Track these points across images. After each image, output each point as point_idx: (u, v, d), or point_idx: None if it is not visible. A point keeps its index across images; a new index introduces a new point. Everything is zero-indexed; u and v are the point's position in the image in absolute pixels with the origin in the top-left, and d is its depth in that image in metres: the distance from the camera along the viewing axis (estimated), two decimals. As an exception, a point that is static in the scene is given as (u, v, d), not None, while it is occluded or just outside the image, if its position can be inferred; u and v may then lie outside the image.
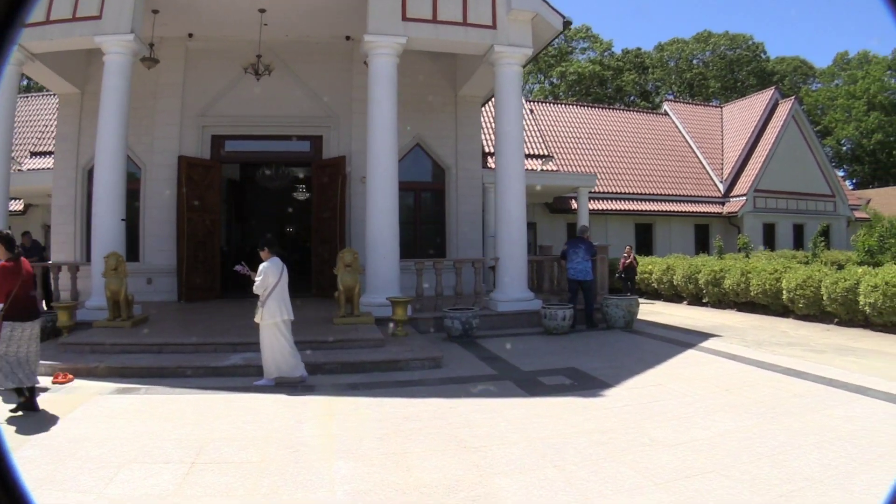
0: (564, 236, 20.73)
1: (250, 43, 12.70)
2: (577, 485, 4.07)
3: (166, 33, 12.69)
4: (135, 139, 12.94)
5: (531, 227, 23.55)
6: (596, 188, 23.78)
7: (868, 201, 32.31)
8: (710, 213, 25.78)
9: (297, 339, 8.61)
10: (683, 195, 25.66)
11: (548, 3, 11.47)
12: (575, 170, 24.17)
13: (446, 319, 10.07)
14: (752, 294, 13.75)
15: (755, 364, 7.94)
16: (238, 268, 7.51)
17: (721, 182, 26.44)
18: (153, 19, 11.51)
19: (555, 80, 49.80)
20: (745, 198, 25.07)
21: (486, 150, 22.12)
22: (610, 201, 24.40)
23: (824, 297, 11.77)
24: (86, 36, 10.33)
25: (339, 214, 12.81)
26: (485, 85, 13.80)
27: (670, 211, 25.04)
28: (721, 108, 31.97)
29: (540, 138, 23.96)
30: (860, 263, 13.30)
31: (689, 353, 8.93)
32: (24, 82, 25.65)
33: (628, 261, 17.85)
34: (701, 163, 27.52)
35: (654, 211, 24.86)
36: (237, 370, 7.70)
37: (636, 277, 18.10)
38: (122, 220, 10.63)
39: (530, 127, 23.94)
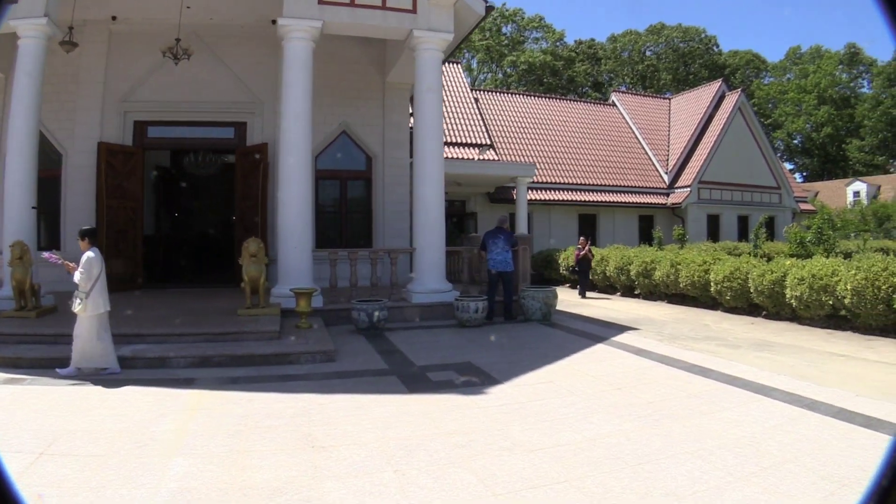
0: (525, 227, 20.33)
1: (175, 26, 11.93)
2: (411, 492, 3.66)
3: (89, 16, 11.83)
4: (56, 125, 12.33)
5: (472, 217, 23.25)
6: (539, 178, 23.53)
7: (816, 193, 32.47)
8: (655, 204, 25.44)
9: (194, 330, 8.36)
10: (628, 186, 25.34)
11: (469, -14, 10.95)
12: (519, 160, 23.70)
13: (353, 311, 9.56)
14: (681, 286, 13.33)
15: (661, 360, 7.47)
16: (46, 255, 7.05)
17: (666, 173, 26.18)
18: (73, 2, 10.80)
19: (508, 71, 49.32)
20: (689, 189, 24.80)
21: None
22: (553, 191, 23.90)
23: (751, 290, 11.40)
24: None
25: (261, 203, 12.18)
26: (412, 71, 13.22)
27: (614, 202, 24.65)
28: (669, 99, 31.63)
29: (483, 127, 23.29)
30: (792, 256, 13.09)
31: (598, 347, 8.46)
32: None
33: (582, 252, 16.02)
34: (647, 154, 27.24)
35: (598, 201, 24.43)
36: (126, 362, 7.12)
37: (590, 270, 16.34)
38: (33, 207, 9.95)
39: (474, 116, 23.42)
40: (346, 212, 13.99)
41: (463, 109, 23.56)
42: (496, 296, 10.76)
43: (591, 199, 24.35)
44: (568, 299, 15.16)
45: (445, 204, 22.23)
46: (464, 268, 11.86)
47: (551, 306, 10.60)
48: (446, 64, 26.92)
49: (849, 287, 9.31)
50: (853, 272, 9.37)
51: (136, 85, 12.69)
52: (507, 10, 51.94)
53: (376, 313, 9.52)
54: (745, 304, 11.91)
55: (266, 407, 5.59)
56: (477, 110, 23.79)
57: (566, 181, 24.53)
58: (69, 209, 12.32)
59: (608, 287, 16.84)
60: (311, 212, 10.62)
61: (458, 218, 24.06)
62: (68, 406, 5.58)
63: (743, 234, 24.18)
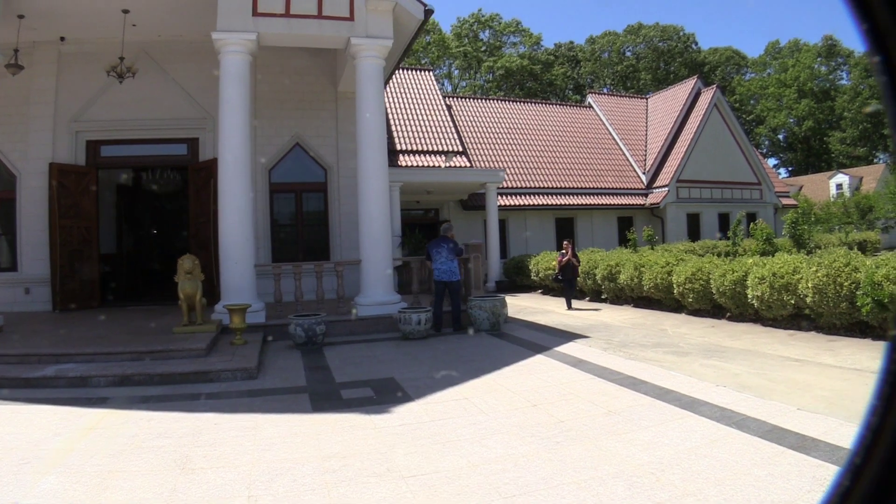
0: (481, 234, 19.96)
1: (126, 45, 11.86)
2: None
3: (38, 38, 11.72)
4: (9, 147, 12.15)
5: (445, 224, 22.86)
6: (514, 183, 23.15)
7: (800, 188, 31.76)
8: (633, 205, 24.85)
9: (121, 349, 8.09)
10: (605, 188, 24.74)
11: (407, -10, 10.58)
12: (493, 166, 23.19)
13: (290, 326, 9.13)
14: (645, 289, 12.77)
15: (595, 372, 6.93)
16: None
17: (644, 174, 25.59)
18: (18, 24, 10.58)
19: (487, 77, 48.93)
20: (667, 188, 24.19)
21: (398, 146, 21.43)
22: (528, 196, 23.40)
23: (714, 291, 10.84)
24: None
25: (213, 218, 11.90)
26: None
27: (591, 204, 24.06)
28: (647, 99, 31.02)
29: (455, 134, 22.81)
30: (760, 254, 12.60)
31: (536, 358, 7.94)
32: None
33: (566, 258, 13.88)
34: (624, 155, 26.67)
35: (574, 205, 23.85)
36: (48, 381, 6.98)
37: (577, 278, 14.50)
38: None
39: (445, 123, 23.03)
40: (303, 224, 13.64)
41: (435, 117, 23.18)
42: (444, 306, 10.37)
43: (568, 203, 23.81)
44: (534, 306, 14.76)
45: (419, 213, 22.56)
46: (413, 278, 11.46)
47: (499, 315, 10.14)
48: (416, 71, 26.77)
49: (810, 285, 8.75)
50: (814, 269, 8.81)
51: (88, 104, 12.42)
52: (483, 16, 51.63)
53: (314, 328, 9.16)
54: (708, 305, 11.38)
55: (161, 426, 5.34)
56: (449, 117, 23.37)
57: (541, 185, 24.02)
58: (24, 230, 12.09)
59: (578, 293, 16.27)
60: (251, 226, 10.24)
61: (430, 226, 23.71)
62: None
63: (724, 232, 23.62)
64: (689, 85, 27.83)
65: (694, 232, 24.09)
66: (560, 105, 31.55)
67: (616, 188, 25.06)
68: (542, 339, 9.39)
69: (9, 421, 5.65)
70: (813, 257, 9.54)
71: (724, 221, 24.83)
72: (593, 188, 24.64)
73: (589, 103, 30.03)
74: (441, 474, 4.06)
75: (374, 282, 10.49)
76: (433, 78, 26.00)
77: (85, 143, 12.51)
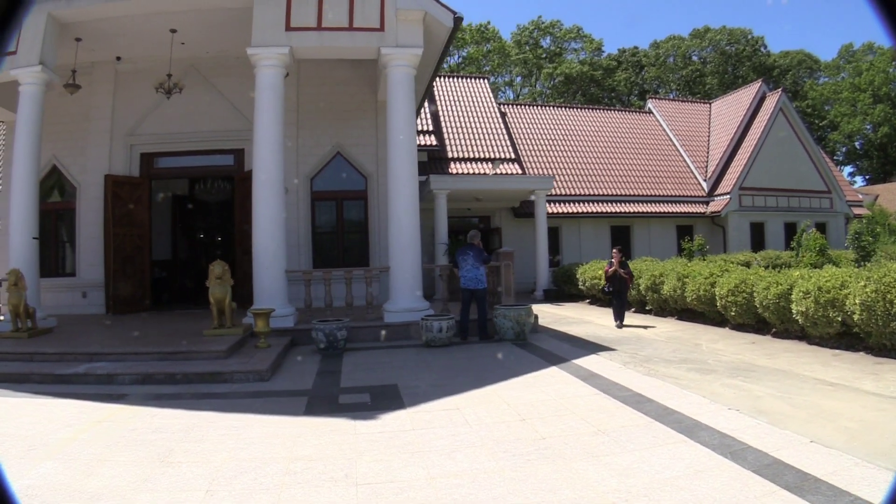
0: (532, 241, 19.64)
1: (175, 62, 12.52)
2: None
3: (96, 58, 12.59)
4: (70, 160, 13.06)
5: (496, 232, 22.58)
6: (568, 190, 22.65)
7: (875, 197, 29.31)
8: (693, 213, 23.71)
9: (150, 349, 8.50)
10: (664, 195, 23.77)
11: (437, 1, 10.53)
12: (547, 173, 22.85)
13: (313, 332, 9.33)
14: (688, 301, 12.13)
15: (603, 388, 6.56)
16: None
17: (705, 181, 24.39)
18: (76, 47, 11.41)
19: (546, 84, 48.09)
20: (728, 196, 22.95)
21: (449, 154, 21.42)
22: (582, 203, 22.79)
23: (757, 305, 10.13)
24: (5, 70, 10.41)
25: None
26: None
27: (649, 212, 23.19)
28: (710, 104, 29.59)
29: (507, 141, 22.61)
30: (812, 266, 11.76)
31: (549, 370, 7.64)
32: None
33: (612, 268, 12.21)
34: (685, 161, 25.54)
35: (631, 213, 23.06)
36: (79, 378, 7.51)
37: (628, 290, 12.66)
38: (34, 238, 10.52)
39: (498, 130, 22.86)
40: (344, 232, 13.84)
41: (488, 124, 23.12)
42: (470, 314, 10.24)
43: (624, 211, 23.07)
44: (575, 316, 14.34)
45: (469, 220, 22.45)
46: (440, 285, 11.39)
47: (524, 325, 9.87)
48: (471, 80, 26.77)
49: (857, 301, 7.98)
50: (862, 284, 8.04)
51: (141, 119, 13.20)
52: (543, 23, 50.94)
53: (335, 333, 9.27)
54: (752, 320, 10.63)
55: (161, 422, 5.65)
56: (502, 125, 23.24)
57: (597, 192, 23.39)
58: (83, 238, 12.95)
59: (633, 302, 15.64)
60: (282, 233, 10.47)
61: (481, 234, 23.51)
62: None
63: (790, 243, 22.15)
64: (753, 89, 26.41)
65: (758, 242, 22.71)
66: (619, 111, 30.57)
67: (675, 196, 24.06)
68: (565, 351, 9.05)
69: (32, 413, 6.12)
70: (862, 270, 8.73)
71: (790, 231, 23.17)
72: (651, 195, 23.79)
73: (649, 108, 29.10)
74: (394, 484, 4.02)
75: (402, 288, 10.50)
76: (488, 86, 25.97)
77: (139, 156, 13.28)
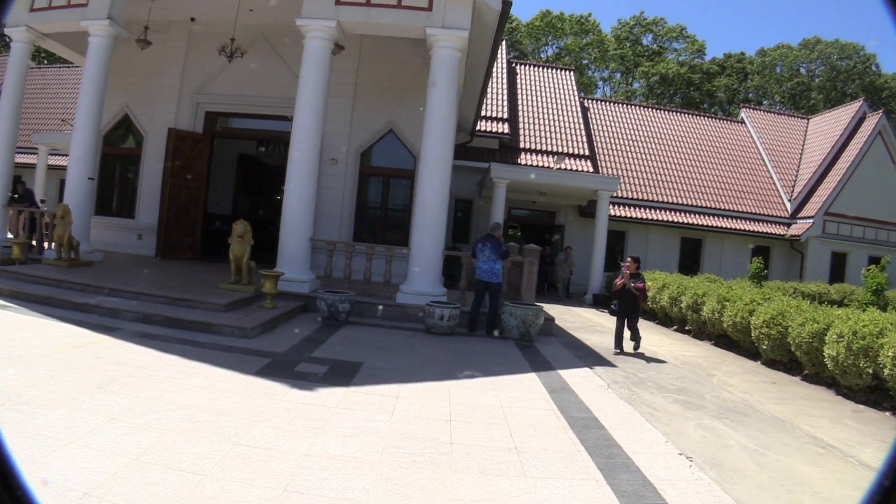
0: (604, 244, 18.84)
1: (243, 27, 13.01)
2: (51, 428, 3.99)
3: (171, 17, 13.30)
4: (139, 111, 13.91)
5: (559, 229, 21.84)
6: (640, 195, 21.58)
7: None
8: (772, 234, 21.81)
9: (161, 293, 8.96)
10: (743, 211, 22.03)
11: (486, -19, 10.20)
12: (623, 174, 21.87)
13: (318, 300, 9.53)
14: (724, 326, 11.14)
15: (563, 404, 6.02)
16: None
17: (790, 201, 22.33)
18: (150, 5, 12.16)
19: (641, 82, 45.64)
20: (812, 220, 20.93)
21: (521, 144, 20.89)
22: (654, 210, 21.56)
23: (790, 342, 9.06)
24: (75, 20, 11.24)
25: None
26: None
27: (724, 227, 21.56)
28: (808, 119, 26.95)
29: (583, 137, 21.67)
30: (866, 306, 10.48)
31: (526, 376, 7.20)
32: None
33: (621, 282, 9.98)
34: (771, 178, 23.49)
35: (704, 226, 21.52)
36: (90, 308, 8.24)
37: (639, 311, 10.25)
38: (90, 178, 11.39)
39: (575, 125, 22.00)
40: (388, 209, 13.87)
41: (567, 118, 22.34)
42: (482, 307, 10.00)
43: (698, 223, 21.61)
44: (605, 324, 13.65)
45: (534, 213, 21.89)
46: (461, 274, 11.18)
47: (530, 325, 9.47)
48: (557, 70, 25.92)
49: (890, 354, 6.80)
50: None
51: (209, 79, 13.79)
52: (644, 19, 48.54)
53: (337, 304, 9.35)
54: (785, 357, 9.54)
55: (127, 356, 6.17)
56: (581, 120, 22.35)
57: (671, 200, 22.06)
58: (144, 184, 13.85)
59: (664, 319, 14.63)
60: (310, 202, 10.71)
61: (546, 229, 22.88)
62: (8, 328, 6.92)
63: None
64: (853, 108, 23.86)
65: (838, 273, 20.59)
66: (709, 117, 28.56)
67: (755, 213, 22.28)
68: (561, 359, 8.57)
69: (30, 329, 6.89)
70: None
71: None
72: (729, 210, 22.18)
73: (742, 118, 26.97)
74: (269, 452, 4.08)
75: (419, 272, 10.41)
76: (572, 78, 25.09)
77: (204, 114, 13.94)
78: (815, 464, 5.12)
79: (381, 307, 10.24)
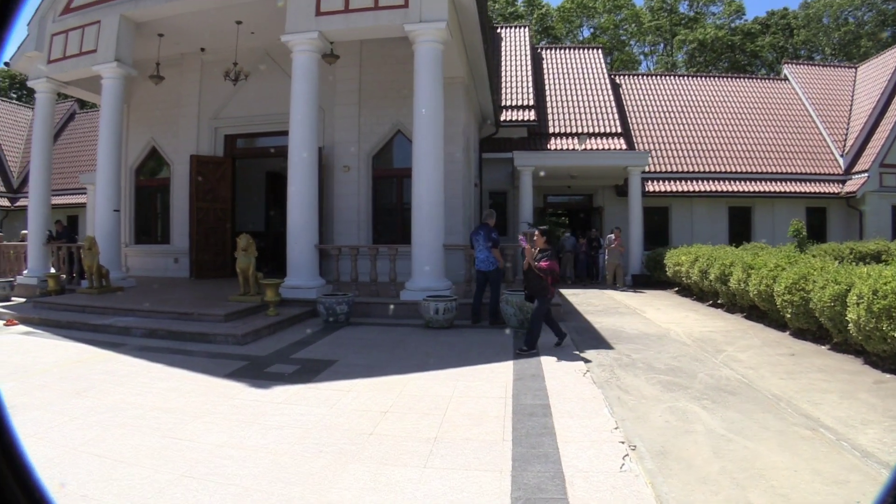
0: (639, 222, 18.05)
1: (251, 50, 13.50)
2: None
3: (183, 50, 14.00)
4: (165, 141, 14.71)
5: (598, 212, 21.05)
6: (681, 167, 20.50)
7: None
8: (826, 193, 20.09)
9: (169, 309, 9.52)
10: (792, 173, 20.41)
11: (457, -32, 10.10)
12: (661, 148, 20.91)
13: (318, 305, 9.71)
14: (751, 296, 10.39)
15: (521, 392, 5.74)
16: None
17: (842, 156, 20.48)
18: (159, 42, 12.86)
19: (679, 51, 43.04)
20: (867, 174, 19.12)
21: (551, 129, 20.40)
22: (697, 182, 20.34)
23: (813, 307, 8.25)
24: (88, 66, 12.07)
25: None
26: (460, 63, 12.80)
27: (773, 192, 20.04)
28: (856, 68, 24.61)
29: (615, 115, 20.85)
30: None
31: (500, 366, 6.90)
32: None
33: (526, 261, 8.07)
34: (822, 134, 21.61)
35: (752, 192, 20.11)
36: (104, 328, 8.88)
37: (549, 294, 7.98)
38: (115, 210, 12.15)
39: (606, 104, 21.20)
40: (403, 209, 13.92)
41: (597, 97, 21.60)
42: (483, 297, 9.84)
43: (744, 190, 20.25)
44: (634, 305, 13.12)
45: (571, 198, 21.26)
46: (464, 266, 11.02)
47: (528, 312, 9.18)
48: (584, 50, 25.12)
49: None
50: None
51: (224, 104, 14.41)
52: None
53: (335, 307, 9.50)
54: (813, 325, 8.65)
55: (117, 367, 6.75)
56: (612, 98, 21.51)
57: (715, 169, 20.80)
58: (175, 210, 14.64)
59: (703, 295, 13.62)
60: (313, 211, 10.97)
61: (585, 212, 22.19)
62: (13, 347, 7.92)
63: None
64: None
65: (901, 229, 18.71)
66: (748, 78, 26.51)
67: (806, 173, 20.63)
68: (553, 345, 8.15)
69: (45, 350, 7.62)
70: None
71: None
72: (777, 173, 20.65)
73: (785, 75, 25.03)
74: (190, 443, 4.38)
75: (422, 267, 10.40)
76: (601, 56, 24.27)
77: (223, 137, 14.58)
78: (790, 450, 4.40)
79: (391, 306, 10.30)
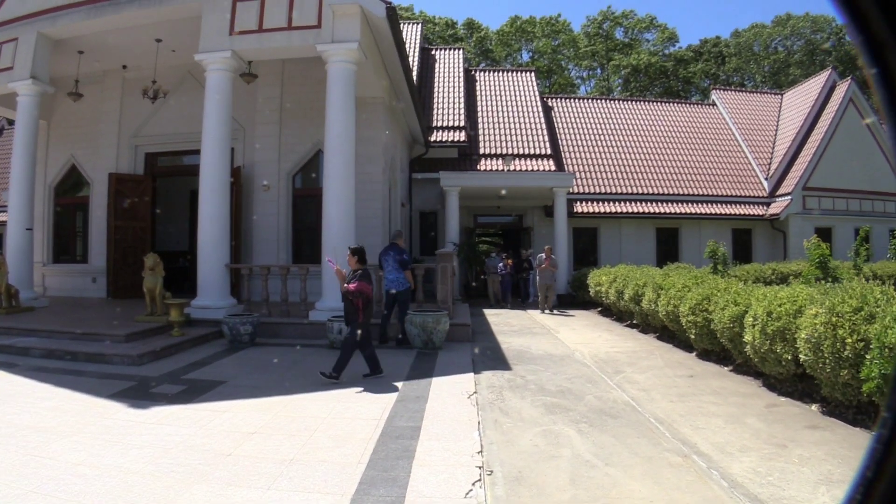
0: (565, 242, 18.54)
1: (173, 68, 13.49)
2: None
3: (104, 67, 13.94)
4: (84, 159, 14.53)
5: (527, 232, 21.50)
6: (609, 189, 21.18)
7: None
8: (751, 215, 21.06)
9: (70, 330, 9.24)
10: (718, 195, 21.33)
11: (369, -9, 10.33)
12: (592, 169, 21.59)
13: (222, 325, 9.68)
14: (660, 316, 10.72)
15: (395, 415, 5.80)
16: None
17: (766, 179, 21.52)
18: (79, 59, 12.77)
19: (611, 76, 45.02)
20: (790, 197, 20.10)
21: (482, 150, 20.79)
22: (625, 203, 21.06)
23: (715, 329, 8.46)
24: (4, 83, 11.89)
25: (234, 220, 12.94)
26: (379, 84, 13.04)
27: (700, 213, 20.88)
28: (781, 95, 26.02)
29: (545, 137, 21.46)
30: (815, 281, 9.83)
31: (381, 387, 6.96)
32: None
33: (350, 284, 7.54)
34: (746, 158, 22.72)
35: (679, 213, 20.91)
36: (4, 349, 8.78)
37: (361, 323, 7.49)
38: (28, 229, 11.93)
39: (536, 125, 21.84)
40: (321, 228, 13.98)
41: (527, 119, 22.24)
42: (392, 318, 9.95)
43: (671, 212, 21.04)
44: (550, 325, 13.41)
45: (494, 219, 21.62)
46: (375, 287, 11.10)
47: (431, 332, 9.35)
48: (517, 73, 25.82)
49: (803, 335, 5.93)
50: (813, 311, 5.91)
51: (144, 122, 14.41)
52: (612, 13, 47.81)
53: (238, 327, 9.51)
54: (716, 347, 8.85)
55: (4, 388, 6.82)
56: (542, 120, 22.15)
57: (642, 191, 21.60)
58: (94, 229, 14.49)
59: (624, 315, 13.90)
60: (223, 229, 11.01)
61: (514, 232, 22.60)
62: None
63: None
64: (822, 78, 23.00)
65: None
66: (677, 103, 27.81)
67: (731, 196, 21.60)
68: (452, 366, 8.32)
69: None
70: (831, 291, 6.20)
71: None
72: (704, 195, 21.53)
73: (713, 100, 26.25)
74: (46, 460, 4.47)
75: (332, 287, 10.44)
76: (533, 79, 25.00)
77: (144, 155, 14.50)
78: (653, 478, 4.33)
79: (295, 326, 10.34)
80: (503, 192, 18.36)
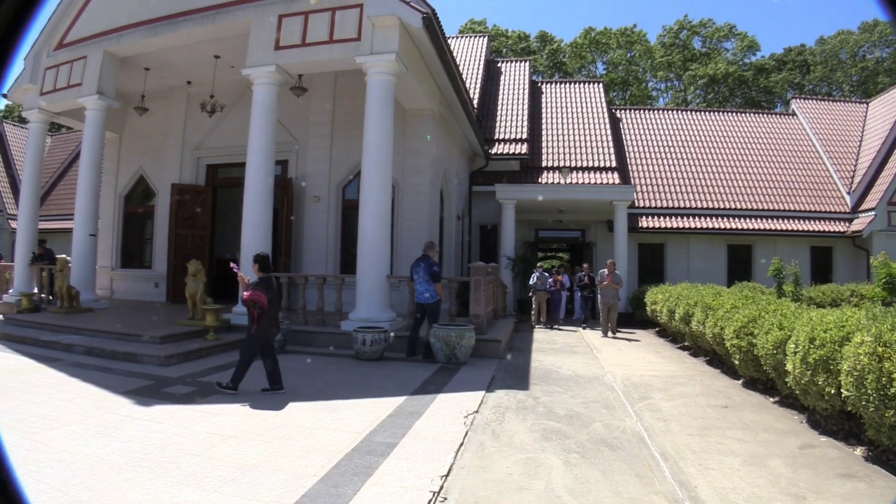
0: (627, 258, 17.79)
1: (232, 83, 14.11)
2: None
3: (170, 83, 14.85)
4: (151, 171, 15.52)
5: (589, 247, 20.74)
6: (680, 203, 20.08)
7: None
8: (831, 232, 19.38)
9: (114, 330, 9.83)
10: (796, 210, 19.82)
11: (405, 2, 10.36)
12: (659, 183, 20.66)
13: (253, 333, 9.92)
14: (707, 338, 9.99)
15: (379, 430, 5.66)
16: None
17: (849, 193, 19.71)
18: (145, 75, 13.69)
19: (687, 87, 42.59)
20: (874, 213, 18.32)
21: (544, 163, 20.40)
22: (695, 218, 19.94)
23: (758, 354, 7.46)
24: (74, 99, 12.92)
25: (285, 230, 13.45)
26: (427, 96, 13.08)
27: (775, 230, 19.45)
28: (867, 104, 23.79)
29: (610, 149, 20.77)
30: (883, 304, 8.87)
31: (389, 400, 6.84)
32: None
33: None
34: (828, 170, 20.89)
35: (752, 230, 19.56)
36: (51, 344, 9.50)
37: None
38: (92, 235, 12.83)
39: (602, 138, 21.17)
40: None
41: (593, 131, 21.61)
42: (421, 330, 9.86)
43: (745, 228, 19.74)
44: (595, 344, 12.81)
45: (558, 233, 21.04)
46: (406, 299, 11.07)
47: (454, 347, 9.16)
48: (586, 84, 25.09)
49: (846, 367, 5.11)
50: (858, 339, 5.04)
51: (206, 135, 15.16)
52: (689, 22, 45.48)
53: (269, 336, 9.66)
54: (762, 374, 7.82)
55: (38, 378, 7.35)
56: (609, 132, 21.44)
57: (714, 206, 20.39)
58: (158, 236, 15.34)
59: (679, 336, 12.94)
60: (268, 237, 11.37)
61: (577, 248, 21.90)
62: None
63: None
64: None
65: (911, 271, 17.64)
66: (754, 113, 26.02)
67: (810, 211, 20.02)
68: (467, 382, 8.10)
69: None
70: (880, 316, 5.26)
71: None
72: (780, 210, 20.10)
73: (793, 110, 24.43)
74: (37, 444, 4.81)
75: (364, 299, 10.55)
76: (601, 90, 24.30)
77: (205, 167, 15.24)
78: None
79: (329, 335, 10.46)
80: (561, 206, 17.92)
